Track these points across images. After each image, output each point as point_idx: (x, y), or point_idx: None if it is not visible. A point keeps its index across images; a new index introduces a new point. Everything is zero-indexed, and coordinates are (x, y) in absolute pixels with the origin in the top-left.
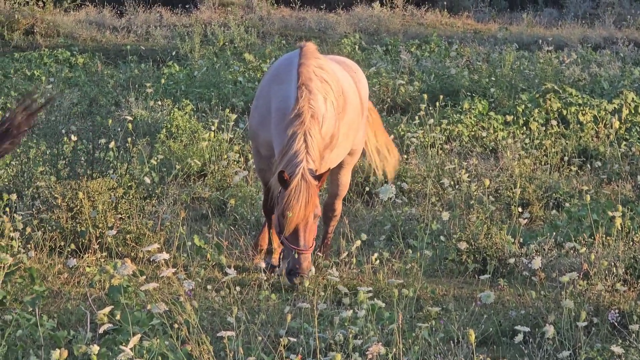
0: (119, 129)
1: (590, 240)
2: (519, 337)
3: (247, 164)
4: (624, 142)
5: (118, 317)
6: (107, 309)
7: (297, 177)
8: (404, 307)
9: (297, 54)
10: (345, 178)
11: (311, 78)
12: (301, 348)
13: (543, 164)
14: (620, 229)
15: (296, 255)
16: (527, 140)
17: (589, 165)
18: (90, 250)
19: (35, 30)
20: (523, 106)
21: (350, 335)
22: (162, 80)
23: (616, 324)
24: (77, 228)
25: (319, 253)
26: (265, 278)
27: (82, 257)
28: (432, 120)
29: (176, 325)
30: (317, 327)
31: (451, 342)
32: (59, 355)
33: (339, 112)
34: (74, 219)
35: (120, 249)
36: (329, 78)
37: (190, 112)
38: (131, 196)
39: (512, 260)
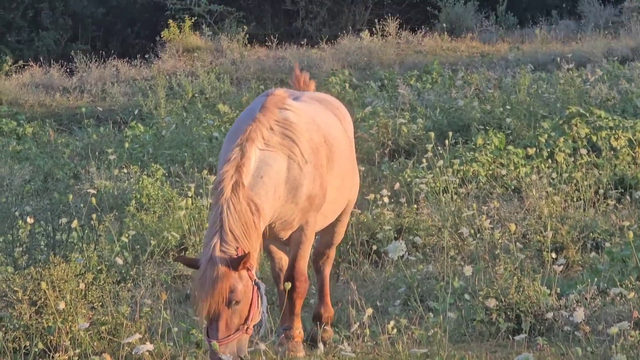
0: (82, 205)
1: (639, 284)
2: None
3: None
4: None
5: None
6: None
7: (203, 262)
8: None
9: (260, 102)
10: (341, 226)
11: (256, 137)
12: None
13: (575, 200)
14: None
15: (212, 346)
16: (554, 175)
17: (628, 197)
18: (61, 349)
19: None
20: (546, 136)
21: None
22: (126, 144)
23: None
24: (43, 324)
25: (322, 312)
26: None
27: (53, 358)
28: (441, 162)
29: None
30: None
31: None
32: None
33: (321, 166)
34: (38, 313)
35: (95, 344)
36: (296, 131)
37: (161, 178)
38: (102, 281)
39: (550, 315)
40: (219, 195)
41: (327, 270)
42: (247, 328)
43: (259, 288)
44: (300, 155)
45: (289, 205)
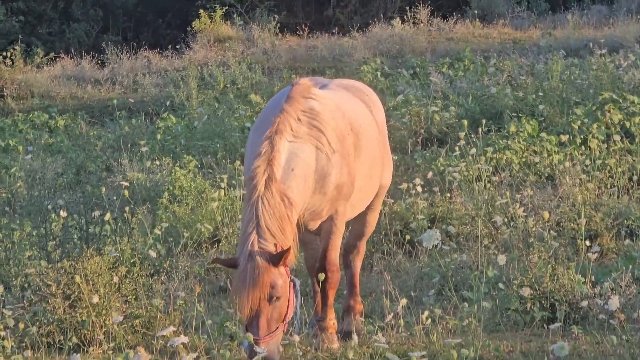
0: (114, 198)
1: None
2: None
3: None
4: None
5: None
6: None
7: (242, 259)
8: None
9: (286, 93)
10: (373, 216)
11: (284, 129)
12: None
13: (609, 187)
14: None
15: (253, 345)
16: (587, 162)
17: None
18: (95, 343)
19: (5, 94)
20: (579, 122)
21: None
22: (158, 136)
23: None
24: (77, 318)
25: (352, 304)
26: (301, 353)
27: (87, 352)
28: (474, 150)
29: None
30: None
31: None
32: None
33: (348, 154)
34: (72, 307)
35: (129, 338)
36: (323, 121)
37: (194, 170)
38: (136, 274)
39: (585, 303)
40: (253, 191)
41: (358, 265)
42: (285, 325)
43: (294, 285)
44: (328, 145)
45: (318, 195)
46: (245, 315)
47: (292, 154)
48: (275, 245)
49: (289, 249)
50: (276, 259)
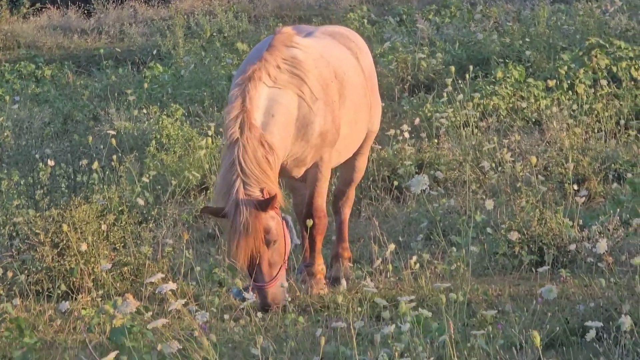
0: (101, 147)
1: None
2: (591, 334)
3: None
4: None
5: None
6: (112, 355)
7: (231, 208)
8: (454, 315)
9: (267, 42)
10: (362, 162)
11: (260, 76)
12: None
13: (596, 131)
14: None
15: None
16: (574, 107)
17: None
18: (83, 290)
19: None
20: (566, 67)
21: (396, 354)
22: (145, 85)
23: None
24: (65, 266)
25: (340, 252)
26: (290, 299)
27: (76, 299)
28: (461, 96)
29: None
30: (357, 349)
31: (513, 348)
32: None
33: (332, 102)
34: (60, 255)
35: (118, 285)
36: (304, 69)
37: (181, 118)
38: (124, 222)
39: (572, 247)
40: (229, 138)
41: (347, 212)
42: (285, 264)
43: (287, 222)
44: (310, 93)
45: (300, 142)
46: (245, 264)
47: (272, 101)
48: (262, 190)
49: (275, 196)
50: (264, 205)
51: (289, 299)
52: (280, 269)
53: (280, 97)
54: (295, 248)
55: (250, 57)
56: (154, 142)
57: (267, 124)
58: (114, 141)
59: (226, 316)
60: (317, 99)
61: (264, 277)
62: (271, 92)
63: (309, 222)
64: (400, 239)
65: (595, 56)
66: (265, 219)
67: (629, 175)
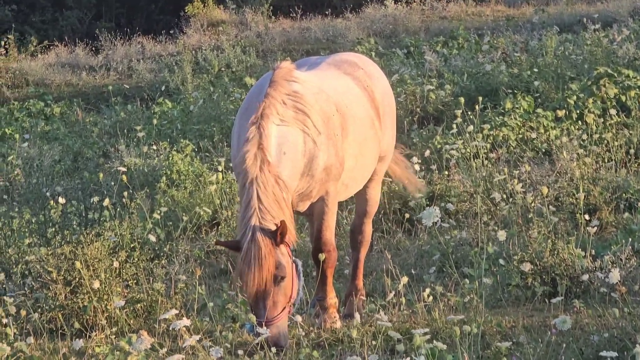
0: (112, 184)
1: None
2: None
3: None
4: None
5: None
6: None
7: (246, 240)
8: (469, 347)
9: (268, 78)
10: (374, 192)
11: (270, 113)
12: None
13: (606, 161)
14: None
15: (256, 326)
16: (584, 137)
17: None
18: (97, 328)
19: None
20: (574, 97)
21: None
22: (154, 121)
23: None
24: (78, 304)
25: (354, 290)
26: (303, 333)
27: (89, 337)
28: (471, 127)
29: None
30: None
31: None
32: None
33: (334, 135)
34: (73, 293)
35: (131, 322)
36: (307, 103)
37: (191, 154)
38: (136, 259)
39: (585, 277)
40: (245, 176)
41: (363, 253)
42: (290, 307)
43: (296, 265)
44: (313, 127)
45: (306, 177)
46: (251, 296)
47: (283, 138)
48: (276, 225)
49: (283, 223)
50: (276, 235)
51: (290, 341)
52: (282, 311)
53: (288, 134)
54: (298, 296)
55: (252, 93)
56: (164, 178)
57: (280, 161)
58: (124, 178)
59: (240, 352)
60: (319, 133)
61: (266, 312)
62: (280, 130)
63: (322, 256)
64: (413, 271)
65: (604, 85)
66: (277, 254)
67: None
